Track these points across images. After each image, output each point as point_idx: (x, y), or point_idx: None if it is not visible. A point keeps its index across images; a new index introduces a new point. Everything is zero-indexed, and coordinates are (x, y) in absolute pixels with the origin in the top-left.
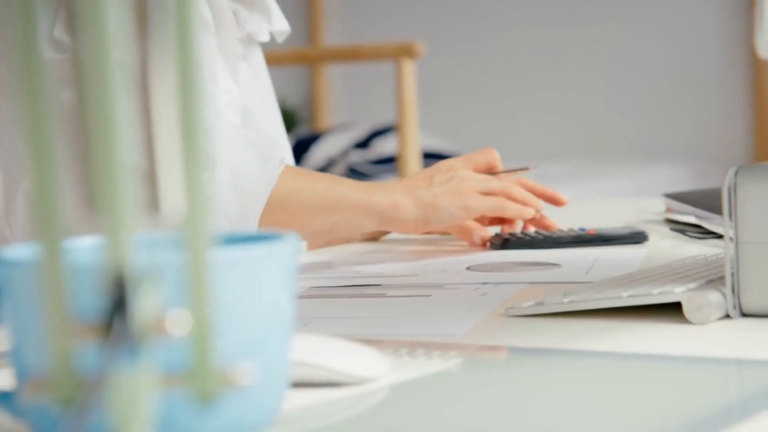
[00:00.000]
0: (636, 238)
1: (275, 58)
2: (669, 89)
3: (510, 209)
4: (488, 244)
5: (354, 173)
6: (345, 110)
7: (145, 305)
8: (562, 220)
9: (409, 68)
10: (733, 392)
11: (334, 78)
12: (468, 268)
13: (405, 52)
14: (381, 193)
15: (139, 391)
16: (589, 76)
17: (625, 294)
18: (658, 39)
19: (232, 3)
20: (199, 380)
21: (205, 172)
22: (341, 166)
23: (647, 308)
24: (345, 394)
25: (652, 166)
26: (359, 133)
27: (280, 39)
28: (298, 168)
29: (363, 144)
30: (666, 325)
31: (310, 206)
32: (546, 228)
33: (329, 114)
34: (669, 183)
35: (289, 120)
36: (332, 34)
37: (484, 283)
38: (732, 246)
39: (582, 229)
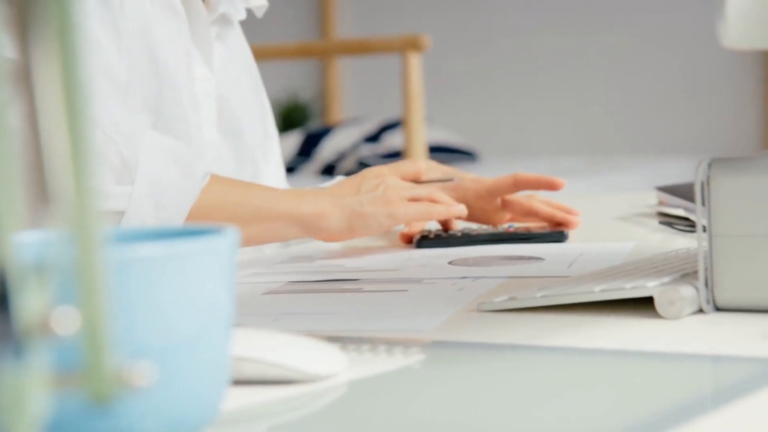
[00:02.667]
0: (554, 236)
1: (282, 51)
2: (682, 84)
3: (436, 212)
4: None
5: (364, 167)
6: (357, 104)
7: (29, 303)
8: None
9: (415, 62)
10: (703, 387)
11: (346, 72)
12: (450, 263)
13: (411, 45)
14: (307, 201)
15: (24, 391)
16: (600, 69)
17: (597, 288)
18: (671, 33)
19: None
20: (92, 381)
21: (93, 165)
22: (351, 160)
23: (622, 303)
24: (298, 392)
25: (665, 159)
26: (370, 126)
27: (259, 14)
28: (224, 178)
29: (373, 138)
30: (639, 320)
31: (234, 218)
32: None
33: (341, 108)
34: (682, 178)
35: (301, 114)
36: (344, 28)
37: (463, 278)
38: (705, 239)
39: (510, 227)
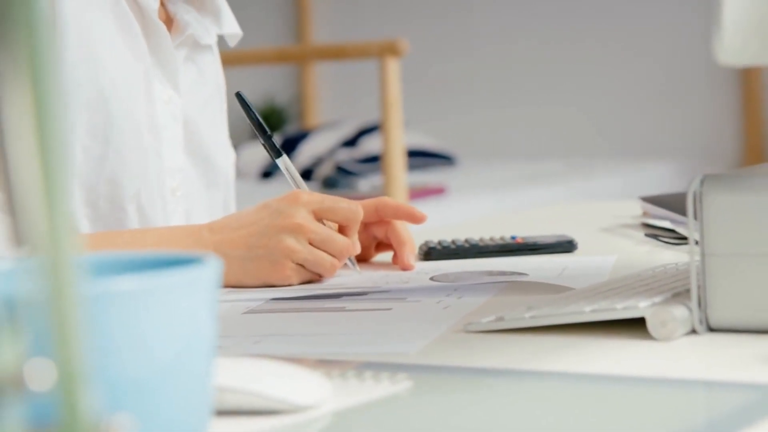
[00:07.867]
0: (564, 246)
1: (259, 56)
2: (661, 88)
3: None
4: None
5: (341, 172)
6: (334, 108)
7: (2, 355)
8: (524, 226)
9: (393, 66)
10: (697, 416)
11: (323, 76)
12: (432, 278)
13: (389, 50)
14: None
15: None
16: (579, 74)
17: (588, 309)
18: (650, 38)
19: (176, 5)
20: None
21: (65, 200)
22: (329, 165)
23: (613, 322)
24: (282, 423)
25: (645, 165)
26: (347, 131)
27: (231, 43)
28: (97, 239)
29: (351, 142)
30: (630, 341)
31: None
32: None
33: (318, 112)
34: (661, 182)
35: (278, 118)
36: (321, 33)
37: (448, 295)
38: (697, 256)
39: (513, 238)
